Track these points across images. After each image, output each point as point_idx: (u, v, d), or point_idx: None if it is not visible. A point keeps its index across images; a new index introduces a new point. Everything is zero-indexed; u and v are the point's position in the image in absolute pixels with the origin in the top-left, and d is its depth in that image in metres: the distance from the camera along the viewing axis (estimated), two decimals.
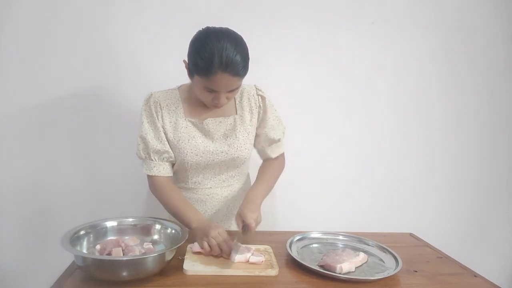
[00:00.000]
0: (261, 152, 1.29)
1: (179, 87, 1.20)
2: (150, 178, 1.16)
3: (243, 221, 1.03)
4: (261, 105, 1.20)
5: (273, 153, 1.26)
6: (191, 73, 1.04)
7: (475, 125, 1.92)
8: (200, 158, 1.14)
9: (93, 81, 1.59)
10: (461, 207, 1.99)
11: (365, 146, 1.84)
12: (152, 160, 1.14)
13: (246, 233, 1.03)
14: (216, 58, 0.94)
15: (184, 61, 1.06)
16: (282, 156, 1.31)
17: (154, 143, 1.12)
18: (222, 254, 0.98)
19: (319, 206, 1.84)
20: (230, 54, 0.95)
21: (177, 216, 1.12)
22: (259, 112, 1.20)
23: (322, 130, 1.79)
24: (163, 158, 1.14)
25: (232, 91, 1.04)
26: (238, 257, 0.96)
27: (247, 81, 1.10)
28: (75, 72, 1.57)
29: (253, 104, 1.19)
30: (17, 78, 1.53)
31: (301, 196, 1.80)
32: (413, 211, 1.93)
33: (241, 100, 1.19)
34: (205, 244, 0.97)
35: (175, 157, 1.15)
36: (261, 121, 1.21)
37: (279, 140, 1.26)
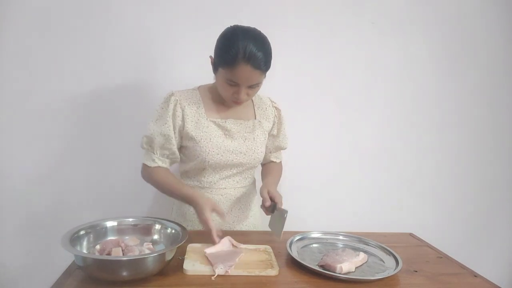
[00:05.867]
0: (265, 157, 1.34)
1: (198, 88, 1.25)
2: (145, 167, 1.20)
3: (272, 200, 1.11)
4: (277, 115, 1.32)
5: (277, 159, 1.39)
6: (215, 67, 1.11)
7: (475, 124, 1.92)
8: (221, 157, 1.17)
9: (96, 81, 1.58)
10: (461, 207, 1.99)
11: (365, 146, 1.84)
12: (154, 153, 1.17)
13: (272, 212, 1.12)
14: (240, 50, 1.02)
15: (210, 56, 1.14)
16: (281, 162, 1.43)
17: (159, 139, 1.15)
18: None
19: (319, 206, 1.84)
20: (254, 49, 1.02)
21: (175, 195, 1.16)
22: (274, 122, 1.31)
23: (322, 130, 1.79)
24: (164, 154, 1.18)
25: (252, 87, 1.10)
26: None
27: None
28: (80, 72, 1.57)
29: (270, 113, 1.30)
30: (20, 77, 1.53)
31: (301, 196, 1.80)
32: (413, 211, 1.93)
33: (259, 107, 1.29)
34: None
35: (195, 156, 1.17)
36: (276, 131, 1.32)
37: (285, 149, 1.38)
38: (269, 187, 1.15)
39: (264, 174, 1.33)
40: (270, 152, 1.35)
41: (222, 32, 1.10)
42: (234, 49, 1.02)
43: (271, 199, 1.12)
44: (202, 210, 1.03)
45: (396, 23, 1.76)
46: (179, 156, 1.21)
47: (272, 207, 1.12)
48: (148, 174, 1.20)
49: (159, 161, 1.18)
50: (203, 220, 1.04)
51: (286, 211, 1.07)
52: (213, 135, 1.17)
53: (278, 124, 1.32)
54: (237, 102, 1.13)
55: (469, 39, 1.83)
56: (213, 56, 1.12)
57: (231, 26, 1.09)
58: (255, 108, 1.28)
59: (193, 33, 1.59)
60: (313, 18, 1.69)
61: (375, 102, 1.81)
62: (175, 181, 1.17)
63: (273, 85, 1.30)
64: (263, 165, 1.40)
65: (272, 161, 1.38)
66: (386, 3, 1.74)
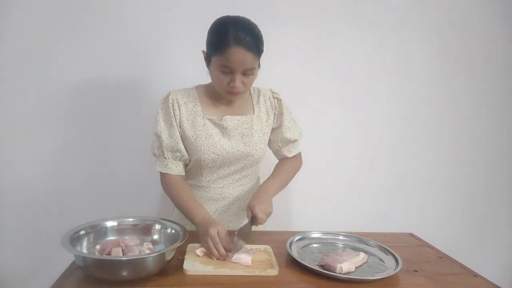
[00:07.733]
0: (277, 152, 1.31)
1: (196, 87, 1.24)
2: (162, 175, 1.19)
3: (252, 212, 1.06)
4: (277, 106, 1.25)
5: (290, 152, 1.29)
6: (208, 58, 1.10)
7: (474, 125, 1.92)
8: (217, 156, 1.16)
9: (95, 81, 1.58)
10: (461, 207, 1.99)
11: (365, 146, 1.84)
12: (166, 158, 1.17)
13: (254, 224, 1.06)
14: (231, 34, 1.02)
15: (203, 51, 1.12)
16: (299, 155, 1.34)
17: (168, 142, 1.15)
18: (219, 256, 0.98)
19: (319, 206, 1.83)
20: (244, 31, 1.03)
21: (184, 211, 1.14)
22: (275, 114, 1.25)
23: (322, 130, 1.79)
24: (176, 157, 1.17)
25: (246, 74, 1.07)
26: (235, 257, 0.97)
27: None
28: (79, 72, 1.57)
29: (269, 106, 1.25)
30: (19, 76, 1.53)
31: (301, 196, 1.80)
32: (413, 211, 1.93)
33: (258, 101, 1.24)
34: (205, 245, 1.00)
35: (191, 155, 1.17)
36: (278, 123, 1.26)
37: (295, 140, 1.28)
38: (254, 200, 1.08)
39: (270, 175, 1.26)
40: (280, 147, 1.28)
41: (212, 23, 1.10)
42: (225, 34, 1.02)
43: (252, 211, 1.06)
44: (211, 227, 0.99)
45: (396, 23, 1.76)
46: (188, 157, 1.19)
47: (252, 220, 1.06)
48: (165, 181, 1.18)
49: (173, 165, 1.16)
50: (209, 234, 0.98)
51: (240, 244, 1.02)
52: (209, 133, 1.16)
53: (278, 115, 1.25)
54: (233, 92, 1.09)
55: (468, 39, 1.83)
56: (205, 50, 1.11)
57: (220, 16, 1.10)
58: (253, 103, 1.24)
59: (191, 32, 1.58)
60: (313, 18, 1.69)
61: (374, 102, 1.81)
62: (191, 196, 1.15)
63: (272, 86, 1.30)
64: (280, 160, 1.34)
65: (286, 156, 1.29)
66: (386, 4, 1.74)
